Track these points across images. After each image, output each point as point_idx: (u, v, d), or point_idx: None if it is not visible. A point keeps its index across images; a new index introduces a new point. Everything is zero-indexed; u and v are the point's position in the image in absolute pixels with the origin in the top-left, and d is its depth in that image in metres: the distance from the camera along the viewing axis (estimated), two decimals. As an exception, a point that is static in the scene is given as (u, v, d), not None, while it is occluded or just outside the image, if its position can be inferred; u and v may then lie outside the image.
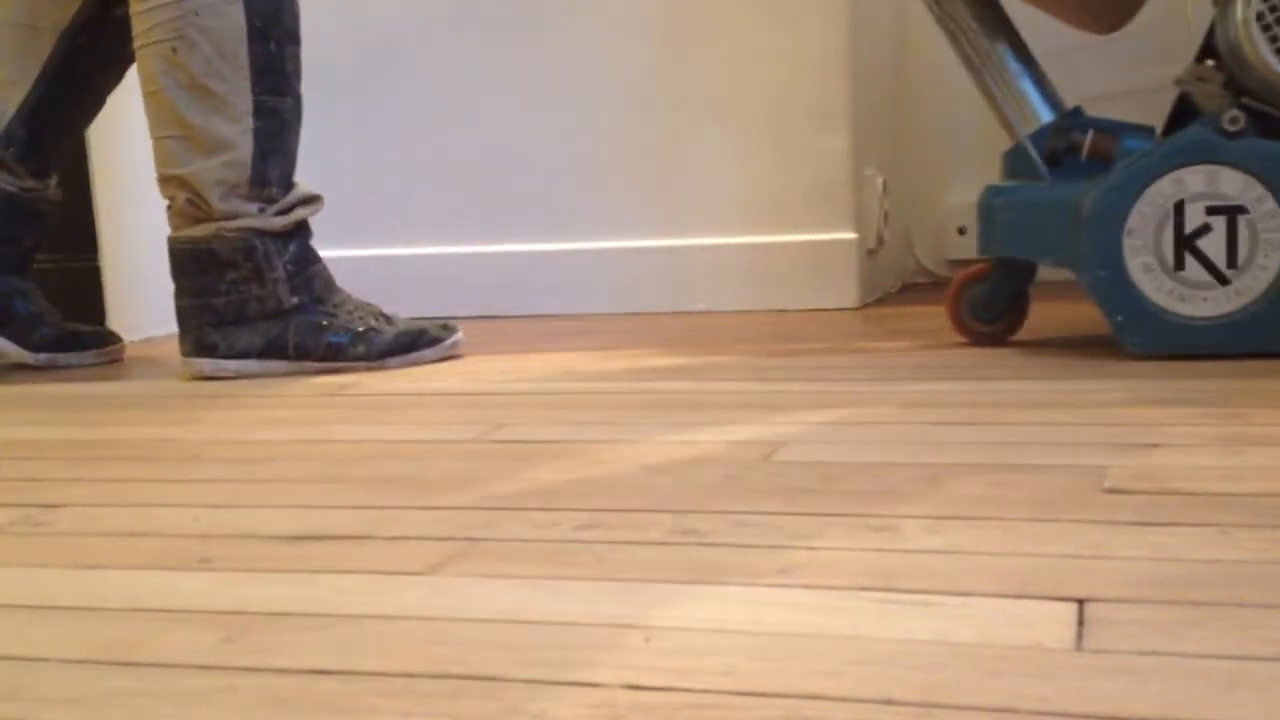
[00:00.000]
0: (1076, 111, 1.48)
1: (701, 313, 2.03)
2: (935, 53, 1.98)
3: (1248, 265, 1.32)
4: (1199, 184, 1.32)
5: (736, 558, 0.74)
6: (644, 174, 2.06)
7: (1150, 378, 1.24)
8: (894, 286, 2.26)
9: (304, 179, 1.61)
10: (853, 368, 1.41)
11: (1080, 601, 0.64)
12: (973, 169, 2.11)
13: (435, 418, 1.24)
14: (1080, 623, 0.62)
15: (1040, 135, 1.44)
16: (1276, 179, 1.30)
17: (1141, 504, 0.81)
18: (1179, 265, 1.33)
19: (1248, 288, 1.32)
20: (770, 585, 0.69)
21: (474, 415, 1.24)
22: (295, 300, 1.56)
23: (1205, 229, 1.32)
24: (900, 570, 0.70)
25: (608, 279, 2.06)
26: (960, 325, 1.53)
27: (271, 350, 1.56)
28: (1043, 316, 1.75)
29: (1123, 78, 2.08)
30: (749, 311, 2.02)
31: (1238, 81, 1.33)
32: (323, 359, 1.58)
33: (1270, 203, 1.31)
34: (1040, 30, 1.61)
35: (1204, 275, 1.33)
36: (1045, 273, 1.60)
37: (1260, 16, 1.30)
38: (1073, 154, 1.42)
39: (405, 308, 1.89)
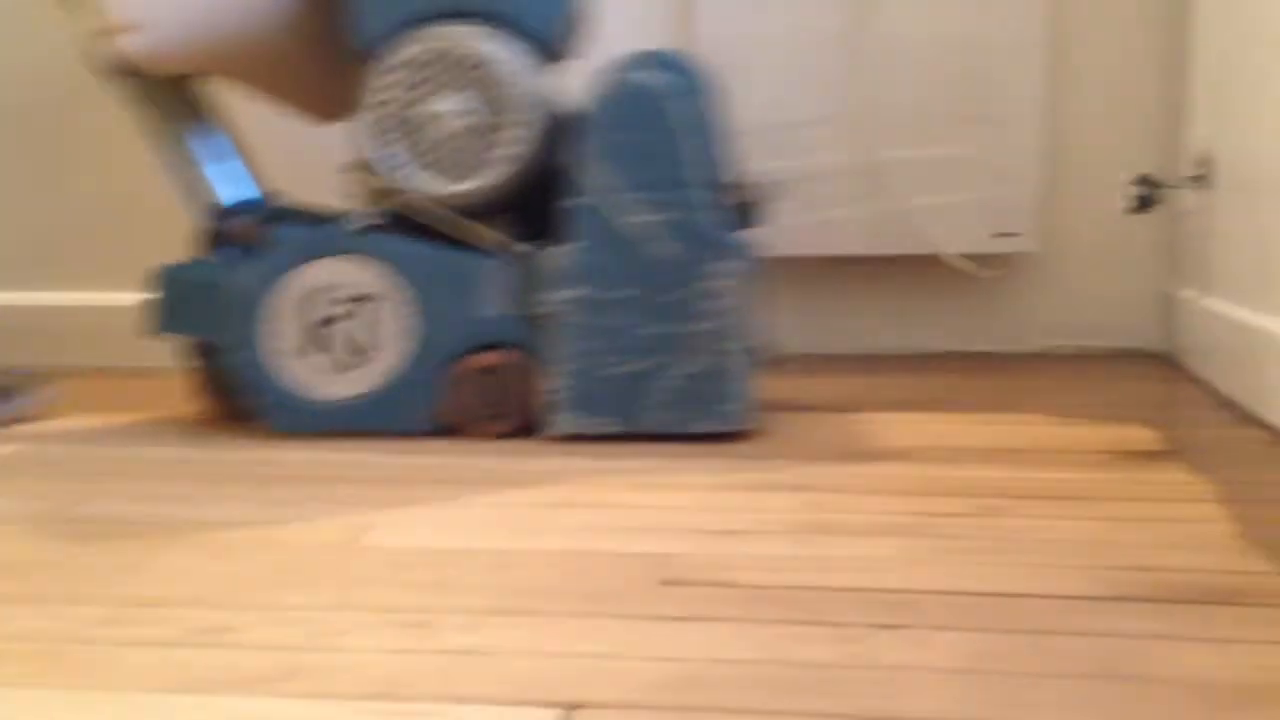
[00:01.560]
0: (269, 197, 1.51)
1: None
2: None
3: (376, 350, 1.37)
4: (333, 274, 1.37)
5: (244, 661, 0.71)
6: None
7: (735, 457, 1.27)
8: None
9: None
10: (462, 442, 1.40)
11: (570, 708, 0.64)
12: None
13: None
14: (558, 734, 0.61)
15: (212, 217, 1.46)
16: (400, 271, 1.36)
17: (692, 597, 0.82)
18: (313, 350, 1.38)
19: (377, 370, 1.37)
20: (259, 695, 0.66)
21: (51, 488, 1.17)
22: None
23: (338, 316, 1.37)
24: (410, 676, 0.69)
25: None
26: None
27: None
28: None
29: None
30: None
31: (377, 180, 1.38)
32: None
33: (395, 293, 1.36)
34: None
35: (335, 359, 1.38)
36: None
37: (379, 122, 1.35)
38: (229, 239, 1.44)
39: None
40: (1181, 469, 1.15)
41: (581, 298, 1.32)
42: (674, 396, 1.32)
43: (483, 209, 1.37)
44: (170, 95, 1.47)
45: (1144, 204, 1.52)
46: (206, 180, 1.47)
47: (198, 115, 1.49)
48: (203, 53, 1.42)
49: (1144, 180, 1.50)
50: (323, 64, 1.51)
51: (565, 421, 1.33)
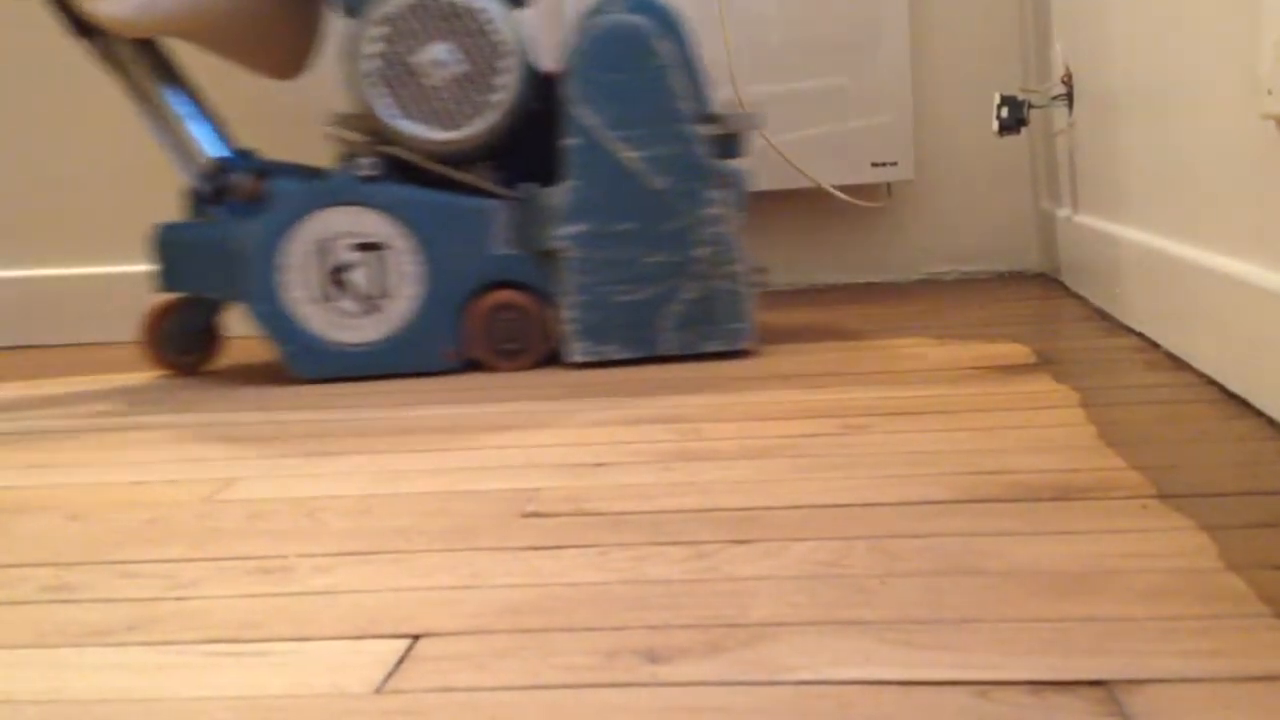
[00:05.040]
0: (246, 154, 1.52)
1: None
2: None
3: (391, 296, 1.41)
4: (342, 223, 1.41)
5: (91, 615, 0.70)
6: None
7: (611, 395, 1.27)
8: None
9: None
10: (331, 395, 1.39)
11: (415, 638, 0.64)
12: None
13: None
14: (400, 662, 0.61)
15: (200, 176, 1.48)
16: (406, 218, 1.41)
17: (551, 527, 0.82)
18: (331, 297, 1.42)
19: (393, 315, 1.42)
20: (106, 645, 0.65)
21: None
22: None
23: (352, 264, 1.41)
24: (259, 618, 0.68)
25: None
26: (155, 357, 1.56)
27: None
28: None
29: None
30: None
31: (374, 130, 1.41)
32: None
33: (404, 239, 1.41)
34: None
35: (354, 305, 1.42)
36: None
37: (375, 73, 1.38)
38: (229, 195, 1.47)
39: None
40: (1047, 379, 1.17)
41: (584, 232, 1.37)
42: (683, 320, 1.38)
43: (473, 154, 1.41)
44: (142, 57, 1.48)
45: (1012, 125, 1.54)
46: (194, 139, 1.48)
47: (171, 76, 1.50)
48: (176, 16, 1.42)
49: (1009, 101, 1.51)
50: (282, 23, 1.53)
51: (580, 351, 1.39)
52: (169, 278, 1.47)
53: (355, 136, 1.42)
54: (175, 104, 1.48)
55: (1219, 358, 1.07)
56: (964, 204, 1.90)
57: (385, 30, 1.37)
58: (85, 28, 1.44)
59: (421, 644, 0.63)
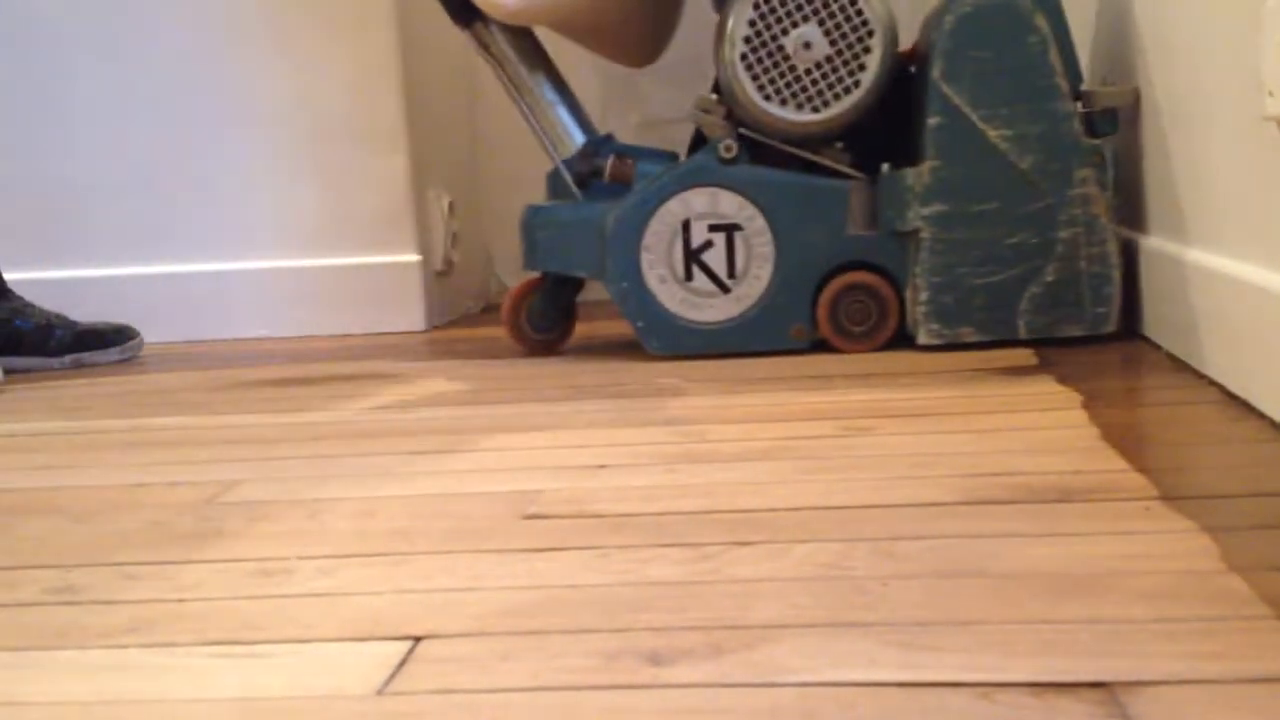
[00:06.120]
0: (607, 138, 1.58)
1: (262, 339, 1.96)
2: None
3: (744, 276, 1.44)
4: (702, 205, 1.44)
5: (93, 617, 0.70)
6: (190, 194, 1.98)
7: (613, 396, 1.27)
8: (475, 307, 2.26)
9: None
10: (343, 397, 1.39)
11: (416, 639, 0.64)
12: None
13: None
14: (402, 664, 0.61)
15: (571, 159, 1.53)
16: (763, 199, 1.43)
17: (553, 529, 0.82)
18: (688, 276, 1.45)
19: (745, 295, 1.44)
20: (108, 647, 0.65)
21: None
22: None
23: (708, 244, 1.44)
24: (261, 620, 0.68)
25: (155, 306, 1.96)
26: (518, 336, 1.60)
27: None
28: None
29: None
30: (313, 336, 1.97)
31: (734, 114, 1.44)
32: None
33: (760, 220, 1.43)
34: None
35: (709, 285, 1.45)
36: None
37: (744, 58, 1.40)
38: (598, 177, 1.52)
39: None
40: (1050, 381, 1.17)
41: (943, 213, 1.36)
42: (1042, 303, 1.36)
43: (828, 135, 1.43)
44: (518, 46, 1.54)
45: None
46: (564, 124, 1.55)
47: (543, 65, 1.56)
48: (558, 5, 1.50)
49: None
50: (647, 12, 1.59)
51: (931, 333, 1.38)
52: (535, 257, 1.52)
53: (714, 120, 1.44)
54: (546, 92, 1.54)
55: (1222, 360, 1.07)
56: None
57: (764, 9, 1.39)
58: (467, 17, 1.52)
59: (423, 646, 0.63)
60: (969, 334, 1.37)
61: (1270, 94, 0.91)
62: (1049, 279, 1.35)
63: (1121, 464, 0.87)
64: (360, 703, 0.57)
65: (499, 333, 1.71)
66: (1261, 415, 0.96)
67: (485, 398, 1.29)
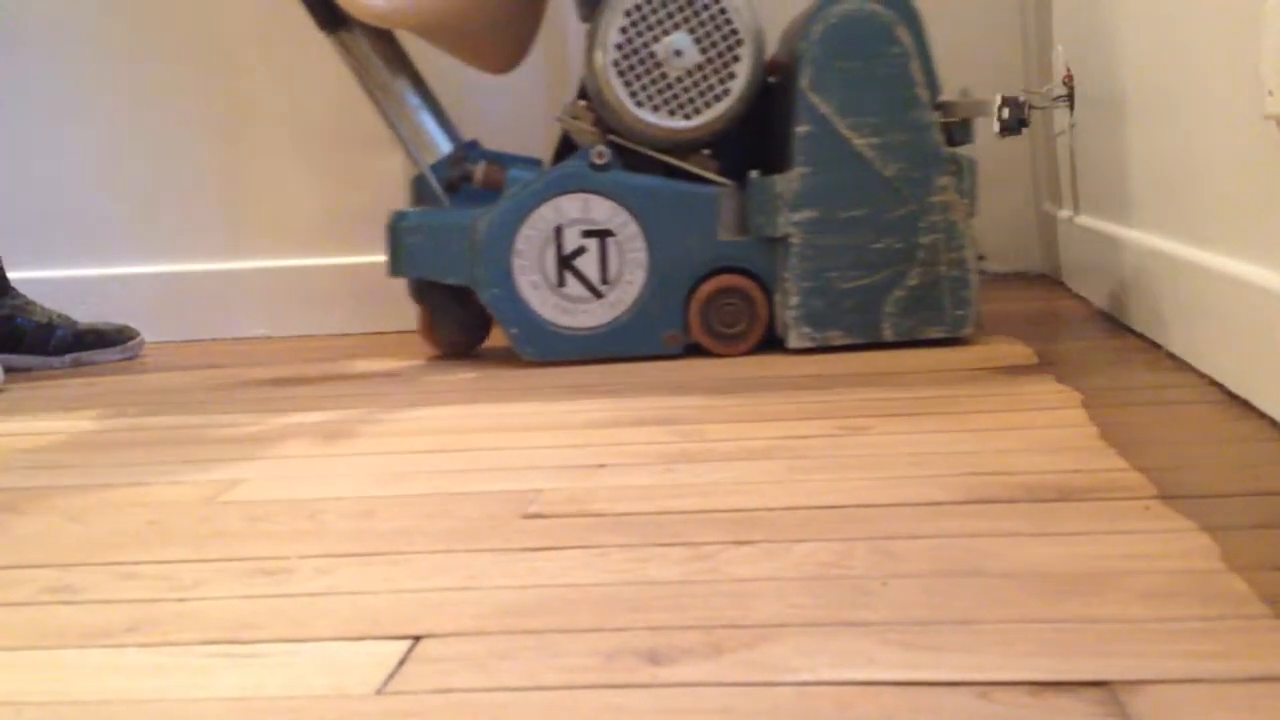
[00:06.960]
0: (473, 144, 1.59)
1: (262, 339, 1.96)
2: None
3: (617, 281, 1.45)
4: (575, 210, 1.45)
5: (92, 616, 0.70)
6: (190, 194, 1.98)
7: (620, 396, 1.27)
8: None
9: None
10: (343, 397, 1.39)
11: (416, 639, 0.64)
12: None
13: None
14: (401, 663, 0.61)
15: (440, 165, 1.53)
16: (636, 205, 1.44)
17: (552, 528, 0.82)
18: (561, 282, 1.45)
19: (619, 300, 1.45)
20: (106, 646, 0.65)
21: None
22: None
23: (581, 250, 1.45)
24: (260, 619, 0.68)
25: (155, 306, 1.96)
26: (433, 341, 1.60)
27: None
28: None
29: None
30: (312, 336, 1.97)
31: (604, 120, 1.46)
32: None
33: (633, 226, 1.44)
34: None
35: (582, 290, 1.46)
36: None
37: (616, 64, 1.41)
38: (467, 182, 1.51)
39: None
40: (1049, 380, 1.17)
41: (812, 219, 1.39)
42: (906, 306, 1.39)
43: (697, 142, 1.44)
44: (382, 51, 1.54)
45: (1013, 126, 1.54)
46: (428, 129, 1.54)
47: (405, 69, 1.56)
48: (423, 10, 1.49)
49: (1010, 101, 1.51)
50: (511, 19, 1.59)
51: (802, 336, 1.40)
52: (402, 263, 1.51)
53: (584, 126, 1.46)
54: (410, 97, 1.54)
55: (1221, 359, 1.07)
56: (966, 205, 1.90)
57: (634, 18, 1.39)
58: (333, 24, 1.51)
59: (422, 645, 0.63)
60: (838, 337, 1.39)
61: (1270, 93, 0.91)
62: (912, 283, 1.38)
63: (1121, 463, 0.87)
64: (359, 702, 0.57)
65: (497, 332, 1.71)
66: (1261, 414, 0.96)
67: (484, 397, 1.29)
